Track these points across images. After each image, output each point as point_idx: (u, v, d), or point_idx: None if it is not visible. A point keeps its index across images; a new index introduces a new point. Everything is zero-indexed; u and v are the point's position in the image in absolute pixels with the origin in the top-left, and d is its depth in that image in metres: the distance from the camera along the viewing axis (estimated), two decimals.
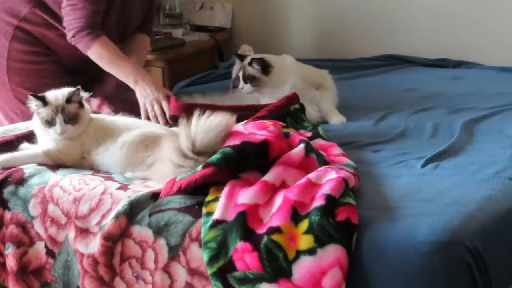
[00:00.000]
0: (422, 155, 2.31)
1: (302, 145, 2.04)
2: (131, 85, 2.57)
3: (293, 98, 2.52)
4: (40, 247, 2.08)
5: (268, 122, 2.14)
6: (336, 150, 2.26)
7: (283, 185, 1.95)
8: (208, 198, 1.93)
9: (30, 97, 2.18)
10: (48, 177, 2.14)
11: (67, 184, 2.10)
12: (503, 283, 1.89)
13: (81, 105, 2.21)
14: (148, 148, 2.13)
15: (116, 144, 2.17)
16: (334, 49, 3.83)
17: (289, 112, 2.44)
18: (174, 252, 1.92)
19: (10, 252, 2.10)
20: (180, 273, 1.91)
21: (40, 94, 2.21)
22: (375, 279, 1.79)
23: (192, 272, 1.90)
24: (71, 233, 2.04)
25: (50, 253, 2.07)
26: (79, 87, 2.21)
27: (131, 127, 2.20)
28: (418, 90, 3.14)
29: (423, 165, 2.24)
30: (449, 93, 3.06)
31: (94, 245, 2.00)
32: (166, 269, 1.93)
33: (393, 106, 2.91)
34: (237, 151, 1.97)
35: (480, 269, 1.77)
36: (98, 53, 2.56)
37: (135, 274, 1.96)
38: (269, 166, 1.99)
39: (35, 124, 2.23)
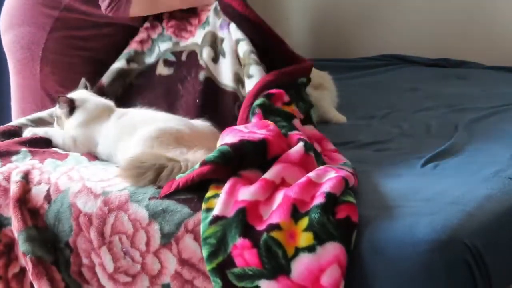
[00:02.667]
0: (422, 154, 2.31)
1: (301, 143, 2.04)
2: (183, 7, 2.58)
3: (307, 68, 2.46)
4: (42, 189, 2.10)
5: (268, 121, 2.15)
6: (329, 145, 2.26)
7: (283, 182, 1.95)
8: (208, 194, 1.93)
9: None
10: (83, 162, 2.22)
11: (93, 166, 2.17)
12: (503, 282, 1.89)
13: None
14: (163, 144, 2.13)
15: (131, 140, 2.19)
16: (334, 49, 3.83)
17: (296, 84, 2.40)
18: (166, 239, 1.93)
19: (21, 180, 2.13)
20: (171, 261, 1.92)
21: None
22: (374, 277, 1.78)
23: (183, 262, 1.91)
24: (75, 187, 2.07)
25: (47, 197, 2.09)
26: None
27: (148, 122, 2.22)
28: (418, 90, 3.14)
29: (423, 165, 2.24)
30: (449, 93, 3.06)
31: (92, 206, 2.02)
32: (157, 254, 1.94)
33: (393, 106, 2.91)
34: (235, 149, 1.97)
35: (480, 268, 1.77)
36: (139, 3, 2.56)
37: (124, 249, 1.97)
38: (269, 165, 1.99)
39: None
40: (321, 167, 2.00)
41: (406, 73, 3.42)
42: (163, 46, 2.57)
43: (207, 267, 1.84)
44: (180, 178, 1.98)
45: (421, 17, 3.75)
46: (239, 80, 2.43)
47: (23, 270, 2.11)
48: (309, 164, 2.02)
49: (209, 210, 1.89)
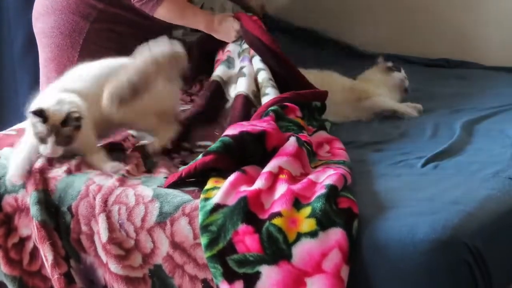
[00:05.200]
0: (422, 154, 2.32)
1: (293, 138, 2.10)
2: (205, 31, 2.70)
3: (322, 94, 2.55)
4: (63, 168, 2.18)
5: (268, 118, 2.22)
6: (339, 144, 2.32)
7: (281, 170, 1.99)
8: (207, 186, 1.99)
9: (30, 113, 2.12)
10: None
11: None
12: (503, 282, 1.90)
13: (77, 127, 2.14)
14: None
15: None
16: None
17: (309, 105, 2.48)
18: (162, 218, 1.97)
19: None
20: (163, 242, 1.97)
21: (39, 108, 2.12)
22: (375, 277, 1.79)
23: (175, 245, 1.95)
24: (96, 172, 2.14)
25: (68, 171, 2.16)
26: (76, 110, 2.15)
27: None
28: (418, 90, 3.13)
29: (423, 165, 2.24)
30: (449, 93, 3.06)
31: (107, 181, 2.09)
32: (150, 232, 1.98)
33: None
34: (236, 140, 2.05)
35: (480, 267, 1.77)
36: (168, 8, 2.62)
37: (120, 222, 2.01)
38: (268, 158, 2.04)
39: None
40: (320, 168, 2.05)
41: (406, 73, 3.42)
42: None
43: (205, 255, 1.86)
44: (183, 168, 2.05)
45: (421, 17, 3.75)
46: (255, 95, 2.51)
47: (22, 241, 2.15)
48: (303, 156, 2.08)
49: (207, 199, 1.93)
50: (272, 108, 2.31)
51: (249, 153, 2.05)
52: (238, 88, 2.52)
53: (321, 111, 2.53)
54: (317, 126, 2.45)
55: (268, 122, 2.16)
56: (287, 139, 2.10)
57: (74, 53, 2.69)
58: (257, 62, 2.59)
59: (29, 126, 2.18)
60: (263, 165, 2.03)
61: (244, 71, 2.57)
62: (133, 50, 2.75)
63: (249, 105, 2.46)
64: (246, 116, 2.40)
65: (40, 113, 2.11)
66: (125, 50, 2.72)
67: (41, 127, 2.11)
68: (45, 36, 2.75)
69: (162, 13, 2.64)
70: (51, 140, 2.12)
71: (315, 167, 2.11)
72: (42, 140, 2.13)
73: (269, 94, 2.46)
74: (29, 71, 3.09)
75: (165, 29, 2.75)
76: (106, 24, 2.69)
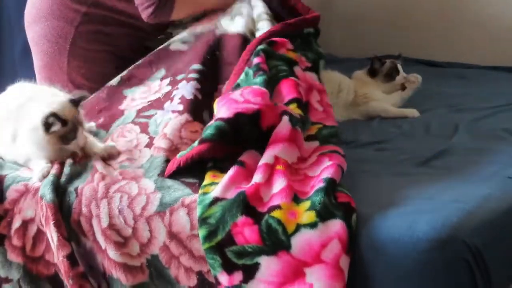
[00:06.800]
0: (422, 154, 2.32)
1: (286, 117, 2.08)
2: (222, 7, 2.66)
3: (313, 19, 2.54)
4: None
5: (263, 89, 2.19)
6: (326, 98, 2.33)
7: (277, 161, 1.99)
8: (205, 182, 1.99)
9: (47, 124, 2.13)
10: None
11: None
12: (503, 282, 1.90)
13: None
14: None
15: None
16: (335, 49, 3.83)
17: (302, 34, 2.47)
18: (162, 207, 1.98)
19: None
20: (161, 232, 1.97)
21: (50, 114, 2.13)
22: (374, 275, 1.79)
23: (172, 235, 1.95)
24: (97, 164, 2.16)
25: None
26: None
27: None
28: (419, 90, 3.14)
29: (423, 164, 2.25)
30: (449, 93, 3.06)
31: (110, 172, 2.11)
32: (148, 221, 1.98)
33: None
34: (231, 124, 2.03)
35: (479, 266, 1.77)
36: (181, 8, 2.61)
37: (119, 207, 2.02)
38: (264, 137, 2.04)
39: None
40: (315, 159, 2.05)
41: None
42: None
43: (203, 246, 1.87)
44: (181, 156, 2.06)
45: (421, 18, 3.76)
46: (251, 33, 2.49)
47: (25, 224, 2.13)
48: (298, 139, 2.07)
49: (205, 194, 1.94)
50: (261, 47, 2.30)
51: (244, 135, 2.05)
52: (235, 27, 2.49)
53: (315, 36, 2.51)
54: (311, 60, 2.42)
55: (262, 96, 2.12)
56: (280, 117, 2.08)
57: (63, 59, 2.69)
58: (255, 0, 2.57)
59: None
60: (258, 146, 2.03)
61: (242, 10, 2.55)
62: (128, 50, 2.76)
63: (245, 45, 2.42)
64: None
65: (57, 118, 2.14)
66: (119, 50, 2.73)
67: (65, 128, 2.15)
68: (35, 44, 2.77)
69: (179, 15, 2.64)
70: (80, 131, 2.17)
71: (308, 136, 2.13)
72: (69, 138, 2.17)
73: (259, 30, 2.45)
74: (30, 73, 3.09)
75: (158, 28, 2.76)
76: (93, 27, 2.68)
